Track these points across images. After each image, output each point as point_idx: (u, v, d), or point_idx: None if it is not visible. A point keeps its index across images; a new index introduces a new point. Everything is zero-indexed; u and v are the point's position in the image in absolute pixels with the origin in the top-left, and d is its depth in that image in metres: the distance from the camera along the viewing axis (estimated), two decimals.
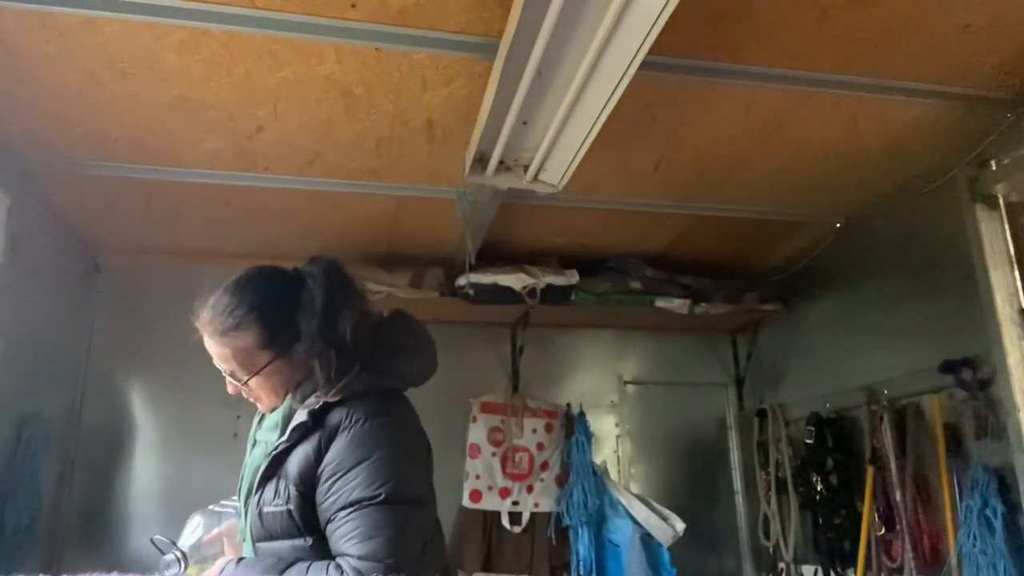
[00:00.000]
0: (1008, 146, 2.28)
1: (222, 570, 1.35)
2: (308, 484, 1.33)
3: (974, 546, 2.24)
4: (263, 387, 1.44)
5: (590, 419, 3.41)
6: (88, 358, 3.16)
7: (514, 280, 3.12)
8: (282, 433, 1.39)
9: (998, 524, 2.19)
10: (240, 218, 2.93)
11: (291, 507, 1.34)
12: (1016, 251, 2.33)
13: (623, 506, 3.15)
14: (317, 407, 1.34)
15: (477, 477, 3.26)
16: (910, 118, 2.27)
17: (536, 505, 3.29)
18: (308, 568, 1.30)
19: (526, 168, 2.17)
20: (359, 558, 1.26)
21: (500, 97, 1.82)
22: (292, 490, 1.34)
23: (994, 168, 2.35)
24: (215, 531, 1.58)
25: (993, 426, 2.30)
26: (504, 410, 3.38)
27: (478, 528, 3.23)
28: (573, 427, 3.38)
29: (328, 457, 1.32)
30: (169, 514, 3.05)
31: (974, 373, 2.36)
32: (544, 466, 3.35)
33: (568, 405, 3.47)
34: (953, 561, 2.36)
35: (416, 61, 1.92)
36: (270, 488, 1.37)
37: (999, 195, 2.37)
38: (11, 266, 2.42)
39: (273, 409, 1.45)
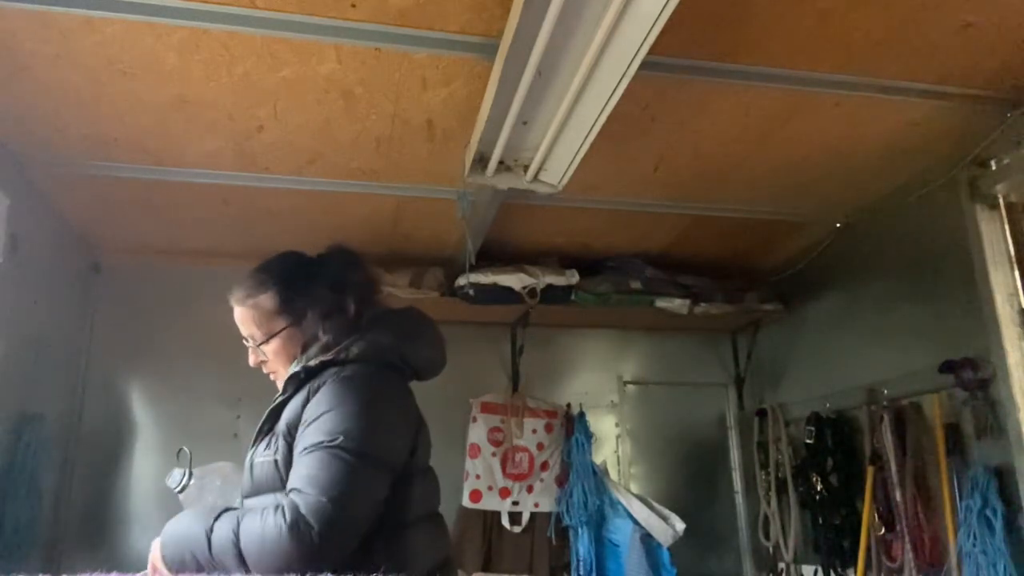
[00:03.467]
0: (1008, 146, 2.27)
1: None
2: (293, 434, 1.37)
3: (974, 546, 2.24)
4: (279, 356, 1.54)
5: (590, 419, 3.41)
6: (88, 358, 3.15)
7: (514, 280, 3.12)
8: (283, 391, 1.46)
9: (998, 524, 2.19)
10: (240, 218, 2.93)
11: (277, 458, 1.38)
12: (1016, 251, 2.33)
13: (623, 506, 3.15)
14: (314, 364, 1.42)
15: (477, 477, 3.26)
16: (910, 118, 2.26)
17: (536, 505, 3.29)
18: (245, 515, 1.28)
19: (526, 168, 2.17)
20: (296, 490, 1.26)
21: (500, 97, 1.82)
22: (280, 441, 1.38)
23: (994, 168, 2.35)
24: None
25: (993, 426, 2.30)
26: (504, 410, 3.38)
27: (478, 528, 3.23)
28: (573, 427, 3.38)
29: (308, 408, 1.37)
30: (169, 514, 3.04)
31: (974, 373, 2.36)
32: (544, 466, 3.35)
33: (568, 405, 3.47)
34: (953, 561, 2.36)
35: (416, 61, 1.91)
36: (263, 441, 1.44)
37: (999, 195, 2.37)
38: (11, 266, 2.42)
39: None
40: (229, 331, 3.20)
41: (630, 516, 3.10)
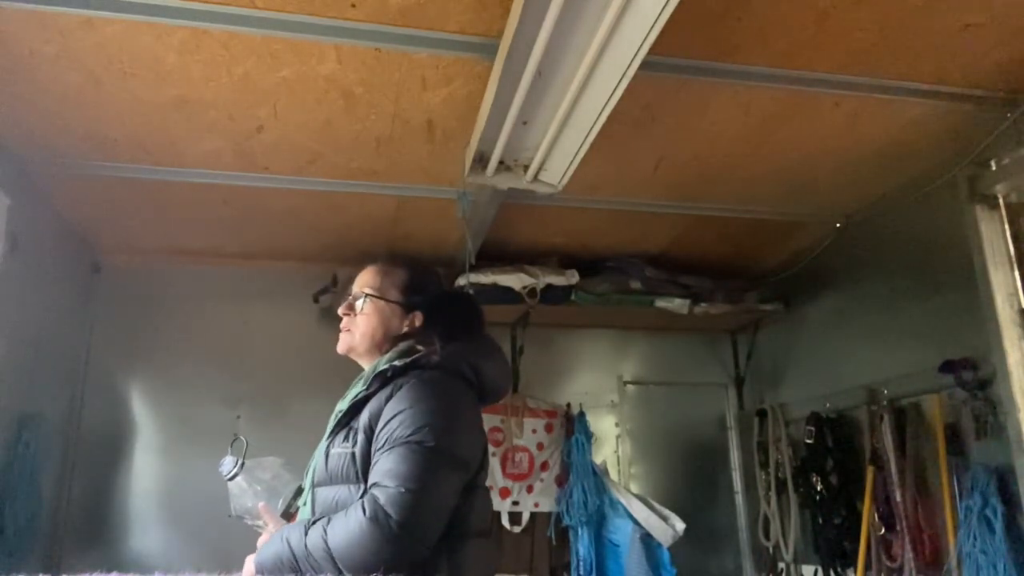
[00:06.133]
0: (1008, 146, 2.27)
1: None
2: (374, 427, 1.43)
3: (974, 546, 2.24)
4: (368, 319, 1.63)
5: (590, 419, 3.41)
6: (88, 358, 3.15)
7: (514, 280, 3.12)
8: (367, 385, 1.51)
9: (998, 524, 2.19)
10: (240, 218, 2.93)
11: (356, 450, 1.42)
12: (1016, 251, 2.33)
13: (623, 506, 3.14)
14: (400, 364, 1.50)
15: None
16: (910, 118, 2.27)
17: (536, 505, 3.29)
18: (333, 517, 1.34)
19: (526, 168, 2.17)
20: (377, 484, 1.32)
21: (500, 97, 1.82)
22: (360, 435, 1.43)
23: (994, 168, 2.35)
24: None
25: (993, 426, 2.30)
26: (504, 410, 3.37)
27: None
28: (573, 427, 3.38)
29: (388, 405, 1.43)
30: (169, 514, 3.05)
31: (974, 373, 2.36)
32: (544, 466, 3.34)
33: (568, 405, 3.47)
34: (953, 561, 2.36)
35: (416, 61, 1.92)
36: (342, 433, 1.48)
37: (999, 195, 2.36)
38: (11, 266, 2.42)
39: (348, 351, 1.65)
40: (229, 331, 3.22)
41: (630, 516, 3.10)
